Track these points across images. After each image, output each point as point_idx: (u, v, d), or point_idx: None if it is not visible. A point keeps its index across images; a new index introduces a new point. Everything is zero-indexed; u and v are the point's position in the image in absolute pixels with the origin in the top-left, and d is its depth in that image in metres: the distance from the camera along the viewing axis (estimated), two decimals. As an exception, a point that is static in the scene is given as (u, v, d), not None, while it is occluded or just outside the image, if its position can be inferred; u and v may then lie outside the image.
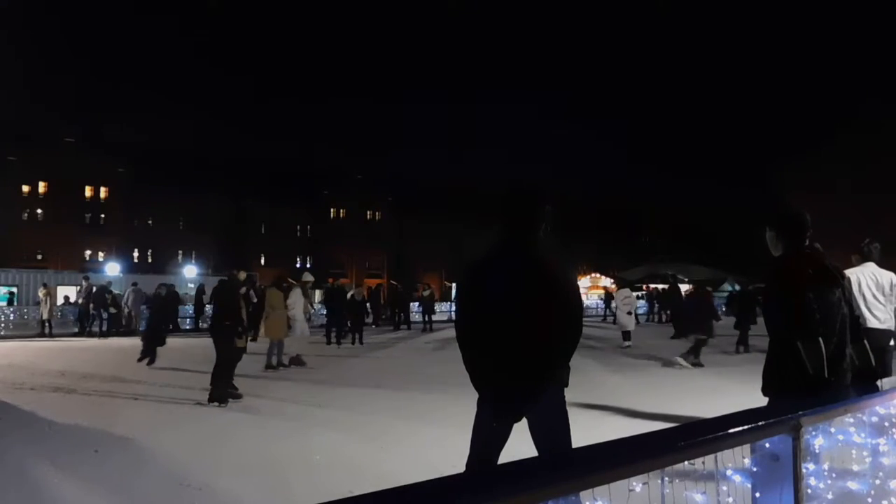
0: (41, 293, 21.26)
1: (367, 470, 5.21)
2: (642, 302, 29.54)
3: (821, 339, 3.09)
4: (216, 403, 8.28)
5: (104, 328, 20.12)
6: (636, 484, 1.70)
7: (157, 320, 13.78)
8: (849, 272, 6.33)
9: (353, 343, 17.05)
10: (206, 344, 15.93)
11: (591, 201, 68.04)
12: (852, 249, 6.60)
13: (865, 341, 3.48)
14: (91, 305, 20.47)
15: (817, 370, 3.09)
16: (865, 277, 6.33)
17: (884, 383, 3.28)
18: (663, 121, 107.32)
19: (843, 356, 3.26)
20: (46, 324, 20.65)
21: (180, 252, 61.21)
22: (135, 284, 23.05)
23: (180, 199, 58.26)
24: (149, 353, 12.45)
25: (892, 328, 6.35)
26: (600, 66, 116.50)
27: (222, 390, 8.42)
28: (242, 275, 9.57)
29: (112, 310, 20.42)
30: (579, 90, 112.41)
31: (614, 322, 21.26)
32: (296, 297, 12.43)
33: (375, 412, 7.84)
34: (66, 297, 25.77)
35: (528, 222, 3.25)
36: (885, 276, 6.39)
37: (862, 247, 6.47)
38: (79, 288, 23.23)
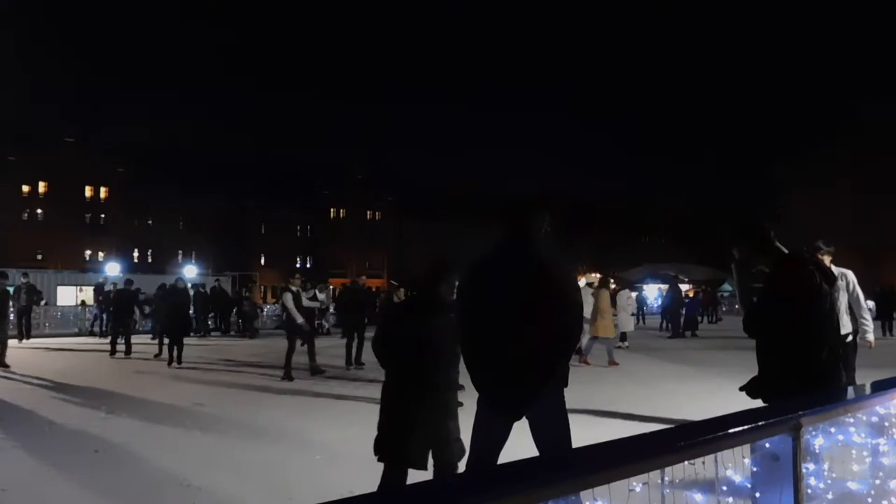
0: None
1: (368, 470, 5.20)
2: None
3: (822, 338, 3.12)
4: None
5: (104, 328, 20.04)
6: (636, 484, 1.70)
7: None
8: (847, 272, 6.30)
9: None
10: (222, 344, 15.93)
11: (591, 201, 68.12)
12: (851, 249, 6.57)
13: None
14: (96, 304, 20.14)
15: (824, 368, 3.11)
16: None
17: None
18: (663, 121, 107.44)
19: (839, 356, 3.29)
20: None
21: (180, 252, 61.20)
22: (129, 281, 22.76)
23: (180, 199, 58.24)
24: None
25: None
26: (600, 65, 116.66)
27: None
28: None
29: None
30: (579, 90, 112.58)
31: None
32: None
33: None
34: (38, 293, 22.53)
35: (526, 224, 3.26)
36: None
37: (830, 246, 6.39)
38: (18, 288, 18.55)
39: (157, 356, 13.51)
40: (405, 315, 4.08)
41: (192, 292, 17.87)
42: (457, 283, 3.57)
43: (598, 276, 15.32)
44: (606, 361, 12.32)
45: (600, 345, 12.67)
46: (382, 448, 3.80)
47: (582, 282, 14.28)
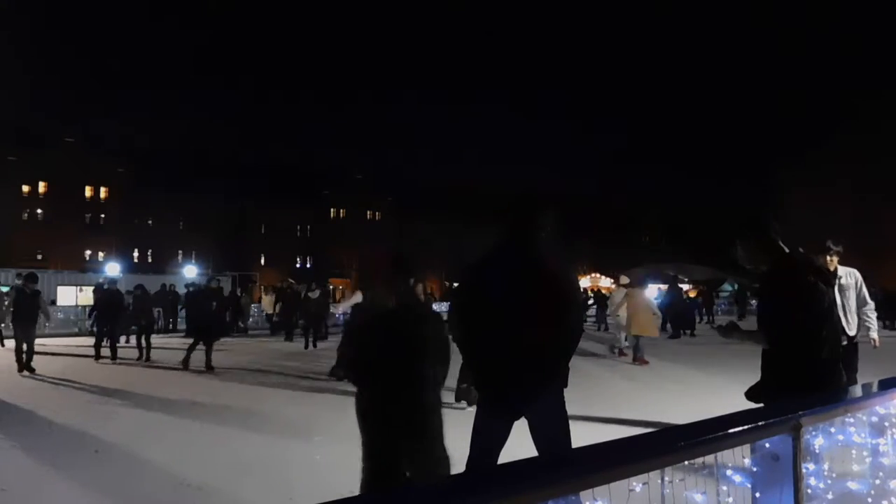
0: None
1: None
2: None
3: (822, 338, 3.13)
4: None
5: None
6: (636, 484, 1.70)
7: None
8: (855, 271, 6.30)
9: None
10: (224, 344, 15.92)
11: (591, 201, 68.07)
12: (851, 249, 6.56)
13: None
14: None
15: (824, 368, 3.11)
16: None
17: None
18: (663, 120, 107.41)
19: (839, 356, 3.30)
20: None
21: (180, 252, 61.20)
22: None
23: (180, 199, 58.25)
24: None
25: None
26: (600, 65, 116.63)
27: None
28: None
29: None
30: (579, 90, 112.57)
31: (606, 329, 21.08)
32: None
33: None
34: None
35: (528, 224, 3.26)
36: None
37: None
38: None
39: (139, 359, 13.25)
40: (374, 323, 3.52)
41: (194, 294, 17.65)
42: (450, 283, 3.56)
43: (625, 277, 15.80)
44: (631, 358, 12.84)
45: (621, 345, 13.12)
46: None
47: (623, 279, 15.14)
